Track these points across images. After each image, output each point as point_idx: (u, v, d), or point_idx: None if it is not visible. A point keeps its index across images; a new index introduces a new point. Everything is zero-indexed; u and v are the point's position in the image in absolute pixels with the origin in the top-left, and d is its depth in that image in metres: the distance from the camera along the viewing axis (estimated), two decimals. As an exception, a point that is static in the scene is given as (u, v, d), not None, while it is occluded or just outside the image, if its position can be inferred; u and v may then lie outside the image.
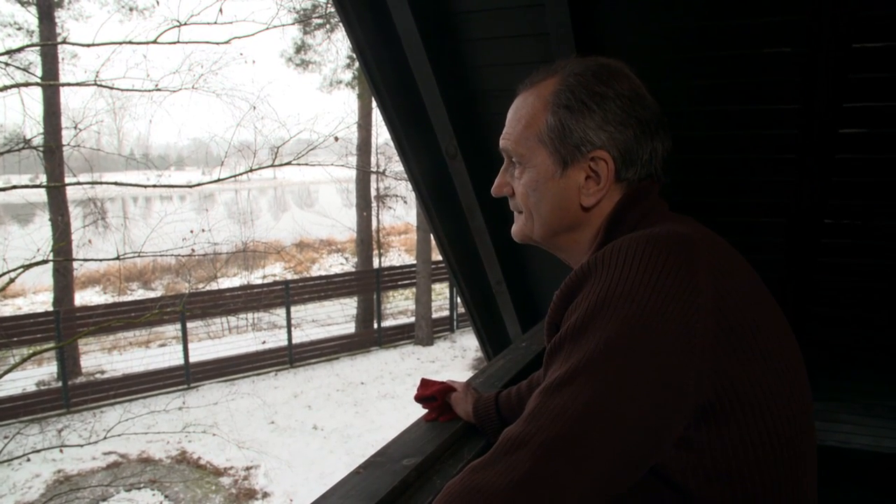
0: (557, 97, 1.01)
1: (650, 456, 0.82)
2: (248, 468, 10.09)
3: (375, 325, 15.86)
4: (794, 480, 0.88)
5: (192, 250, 10.43)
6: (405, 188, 16.95)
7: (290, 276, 20.49)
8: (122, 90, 10.45)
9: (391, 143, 3.11)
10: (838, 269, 2.72)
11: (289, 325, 14.12)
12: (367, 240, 17.53)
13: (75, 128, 10.39)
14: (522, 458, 0.74)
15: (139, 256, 9.55)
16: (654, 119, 1.02)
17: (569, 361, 0.80)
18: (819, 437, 3.34)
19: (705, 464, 0.84)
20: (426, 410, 1.69)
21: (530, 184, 1.05)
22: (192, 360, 12.99)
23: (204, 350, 13.59)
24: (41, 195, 12.64)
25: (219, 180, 10.13)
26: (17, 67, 10.40)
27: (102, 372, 13.40)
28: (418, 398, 1.69)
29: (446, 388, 1.67)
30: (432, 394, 1.66)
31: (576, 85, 1.00)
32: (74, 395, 11.86)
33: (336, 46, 18.49)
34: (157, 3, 14.49)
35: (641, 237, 0.87)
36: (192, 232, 10.57)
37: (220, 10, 10.18)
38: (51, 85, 11.95)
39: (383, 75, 2.74)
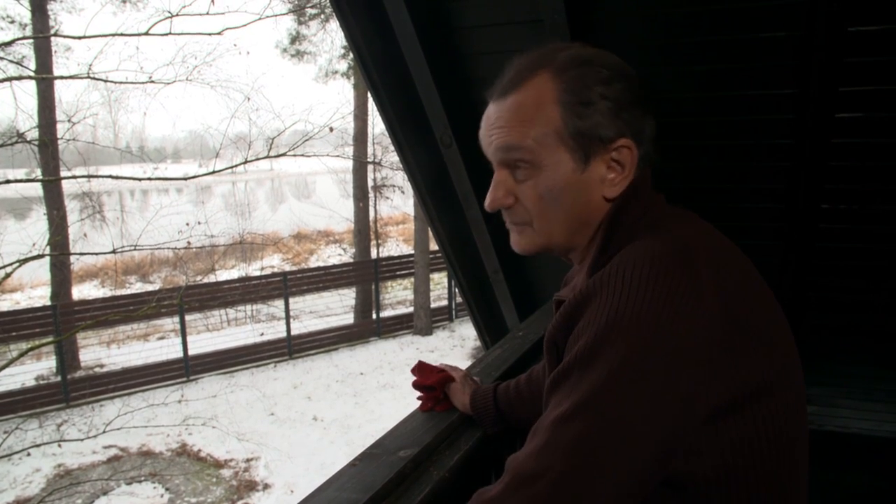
0: (567, 91, 0.95)
1: (664, 469, 0.81)
2: (248, 460, 10.12)
3: (374, 316, 15.87)
4: (790, 476, 0.88)
5: (189, 243, 10.41)
6: (402, 178, 16.90)
7: (288, 268, 20.53)
8: (115, 83, 10.41)
9: (387, 134, 3.10)
10: (836, 254, 2.71)
11: (287, 317, 14.13)
12: (364, 230, 17.52)
13: (69, 121, 10.35)
14: (537, 493, 0.73)
15: (135, 250, 9.54)
16: (645, 94, 0.99)
17: (579, 389, 0.78)
18: (818, 422, 3.35)
19: (706, 467, 0.83)
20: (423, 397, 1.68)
21: (548, 186, 0.97)
22: (190, 352, 13.01)
23: (203, 343, 13.60)
24: (37, 189, 12.60)
25: (214, 172, 10.09)
26: (10, 61, 10.35)
27: (101, 366, 13.41)
28: (416, 385, 1.67)
29: (446, 379, 1.66)
30: (432, 384, 1.64)
31: (581, 74, 0.95)
32: (73, 389, 11.86)
33: (331, 37, 18.42)
34: (150, -6, 14.40)
35: (644, 254, 0.85)
36: (187, 224, 10.55)
37: (212, 1, 10.11)
38: (44, 78, 11.89)
39: (377, 65, 2.72)
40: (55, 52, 13.60)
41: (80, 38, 9.99)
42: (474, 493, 0.81)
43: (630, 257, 0.85)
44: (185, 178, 10.54)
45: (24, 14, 13.83)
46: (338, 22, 2.69)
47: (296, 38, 18.44)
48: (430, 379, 1.66)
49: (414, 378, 1.69)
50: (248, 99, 12.38)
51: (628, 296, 0.81)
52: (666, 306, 0.79)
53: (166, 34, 10.04)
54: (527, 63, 0.99)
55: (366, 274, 16.22)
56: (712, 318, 0.80)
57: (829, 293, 2.86)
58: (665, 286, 0.80)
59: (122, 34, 9.86)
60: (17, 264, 8.21)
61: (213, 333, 14.92)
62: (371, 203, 17.79)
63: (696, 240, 0.89)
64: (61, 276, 13.49)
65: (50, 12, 14.24)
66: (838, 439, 3.18)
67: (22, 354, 8.69)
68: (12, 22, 14.32)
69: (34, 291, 18.75)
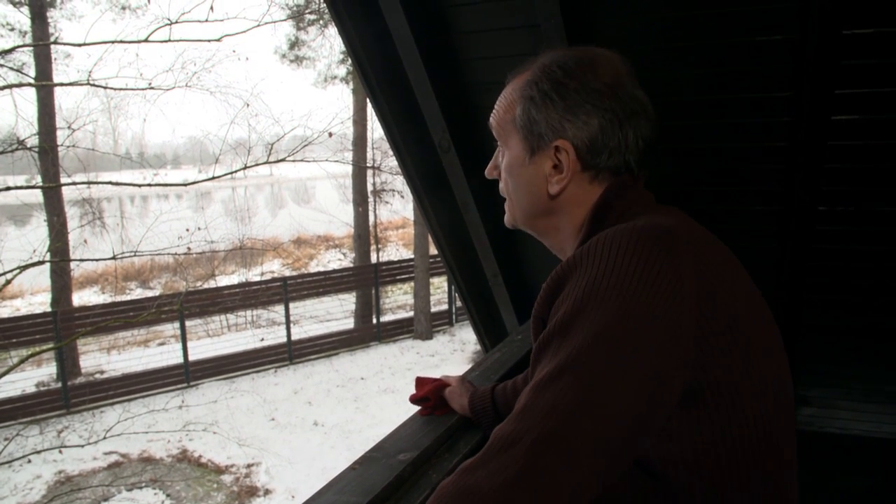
0: (524, 89, 1.05)
1: (638, 446, 0.82)
2: (249, 465, 10.11)
3: (374, 321, 15.87)
4: (771, 473, 0.88)
5: (189, 248, 10.42)
6: (401, 183, 16.92)
7: (288, 273, 20.53)
8: (115, 89, 10.44)
9: (385, 138, 3.11)
10: (834, 255, 2.72)
11: (287, 322, 14.13)
12: (364, 235, 17.52)
13: (69, 128, 10.37)
14: (514, 456, 0.74)
15: (135, 256, 9.55)
16: (626, 108, 1.01)
17: (557, 356, 0.80)
18: (818, 423, 3.34)
19: (685, 454, 0.84)
20: None
21: (508, 168, 1.10)
22: (191, 358, 13.00)
23: (203, 348, 13.60)
24: (37, 196, 12.63)
25: (214, 178, 10.11)
26: (10, 68, 10.37)
27: (102, 372, 13.40)
28: (413, 400, 1.69)
29: (440, 386, 1.67)
30: (425, 394, 1.66)
31: (541, 77, 1.03)
32: (74, 395, 11.87)
33: (330, 42, 18.45)
34: (149, 1, 14.41)
35: (625, 230, 0.87)
36: (187, 230, 10.56)
37: (211, 8, 10.20)
38: (44, 85, 11.91)
39: (375, 70, 2.73)
40: (55, 59, 13.64)
41: (79, 45, 10.03)
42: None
43: (612, 232, 0.88)
44: (185, 184, 10.56)
45: (24, 21, 13.88)
46: (336, 27, 2.71)
47: (294, 44, 18.47)
48: (423, 390, 1.67)
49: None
50: (248, 105, 12.34)
51: (607, 266, 0.83)
52: (645, 278, 0.81)
53: (166, 41, 10.09)
54: (531, 59, 1.10)
55: (366, 278, 16.22)
56: (689, 297, 0.82)
57: (827, 295, 2.87)
58: (645, 259, 0.82)
59: (121, 41, 9.90)
60: (18, 271, 8.22)
61: (213, 339, 14.94)
62: (371, 208, 17.80)
63: (679, 227, 0.91)
64: (61, 283, 13.48)
65: (49, 19, 14.27)
66: (838, 441, 3.18)
67: (22, 361, 8.70)
68: (12, 29, 14.37)
69: (34, 298, 18.75)
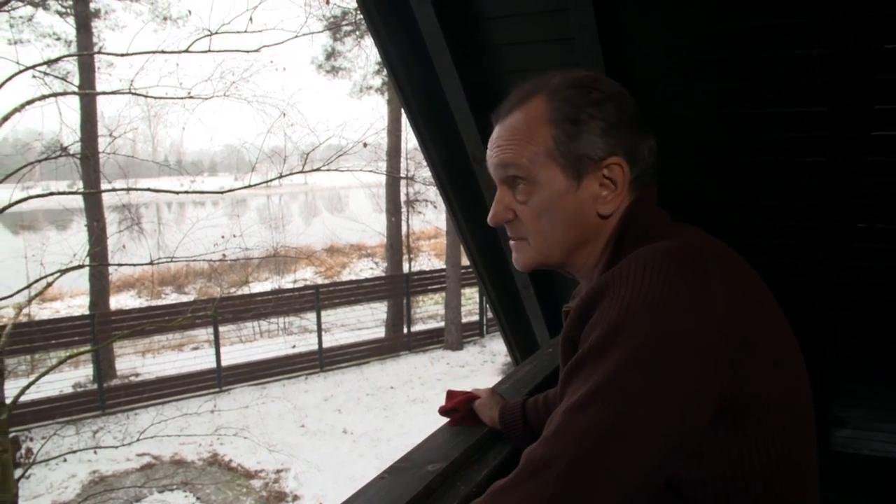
0: (557, 111, 0.99)
1: (670, 467, 0.82)
2: (278, 471, 10.18)
3: (405, 330, 15.90)
4: (800, 490, 0.88)
5: (224, 255, 10.56)
6: (434, 193, 16.97)
7: (320, 281, 20.70)
8: (155, 98, 10.62)
9: (420, 149, 3.13)
10: (871, 273, 2.66)
11: (319, 330, 14.22)
12: (396, 244, 17.60)
13: (110, 135, 10.60)
14: (547, 480, 0.74)
15: (172, 261, 9.69)
16: (641, 114, 1.02)
17: (591, 379, 0.80)
18: (854, 445, 3.25)
19: (715, 475, 0.84)
20: None
21: (542, 203, 1.01)
22: (223, 363, 13.16)
23: (235, 354, 13.75)
24: (78, 201, 12.92)
25: (250, 186, 10.24)
26: (56, 77, 10.64)
27: (136, 374, 13.63)
28: (442, 411, 1.70)
29: (469, 398, 1.68)
30: (454, 405, 1.66)
31: (572, 96, 0.99)
32: (109, 397, 12.09)
33: (366, 52, 18.62)
34: (189, 12, 14.70)
35: (655, 251, 0.87)
36: (223, 237, 10.71)
37: (251, 19, 10.30)
38: (87, 94, 12.21)
39: (409, 81, 2.75)
40: (98, 68, 13.99)
41: (122, 55, 10.22)
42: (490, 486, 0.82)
43: (642, 254, 0.87)
44: (221, 192, 10.69)
45: (70, 31, 14.28)
46: (371, 38, 2.74)
47: (331, 55, 18.68)
48: (453, 401, 1.68)
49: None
50: (284, 114, 12.46)
51: (640, 288, 0.82)
52: (677, 299, 0.80)
53: (206, 51, 10.24)
54: (526, 87, 1.05)
55: (397, 288, 16.28)
56: (721, 317, 0.82)
57: (864, 313, 2.81)
58: (677, 280, 0.82)
59: (162, 51, 10.07)
60: (58, 274, 8.40)
61: (245, 345, 15.09)
62: (403, 217, 17.88)
63: (705, 246, 0.91)
64: (99, 286, 13.78)
65: (94, 30, 14.65)
66: (874, 463, 3.10)
67: (61, 362, 8.86)
68: (58, 39, 14.79)
69: (73, 301, 19.18)
